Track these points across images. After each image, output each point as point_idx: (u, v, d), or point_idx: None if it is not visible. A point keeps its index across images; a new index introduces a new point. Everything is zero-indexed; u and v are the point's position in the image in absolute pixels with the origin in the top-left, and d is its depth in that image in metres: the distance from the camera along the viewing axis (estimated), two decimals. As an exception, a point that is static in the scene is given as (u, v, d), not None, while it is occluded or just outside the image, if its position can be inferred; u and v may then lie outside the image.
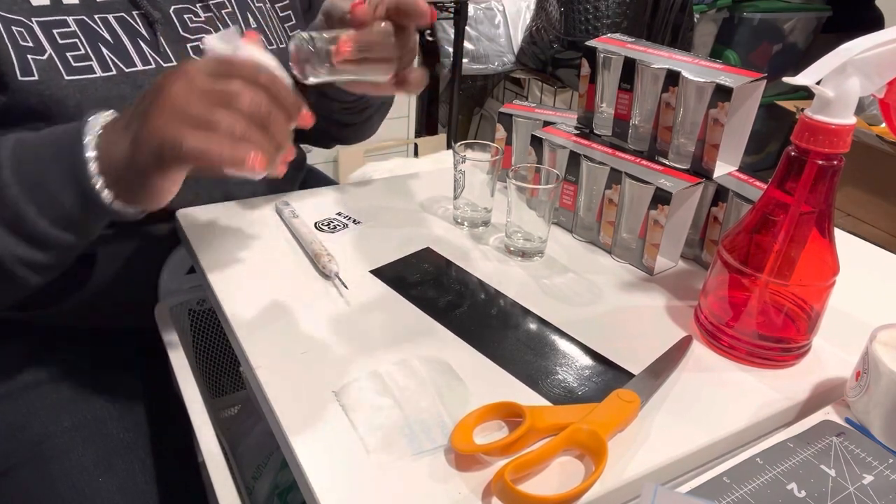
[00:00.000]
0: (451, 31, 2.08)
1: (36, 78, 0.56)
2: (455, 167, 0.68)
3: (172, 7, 0.65)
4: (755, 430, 0.47)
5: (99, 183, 0.47)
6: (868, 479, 0.42)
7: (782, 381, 0.50)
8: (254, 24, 0.72)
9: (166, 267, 0.70)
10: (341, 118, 0.79)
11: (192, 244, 0.63)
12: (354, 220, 0.70)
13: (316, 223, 0.68)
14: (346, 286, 0.58)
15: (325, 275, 0.59)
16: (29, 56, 0.56)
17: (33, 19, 0.57)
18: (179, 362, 0.61)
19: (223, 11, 0.69)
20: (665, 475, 0.43)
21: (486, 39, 2.19)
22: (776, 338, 0.51)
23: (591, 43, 0.66)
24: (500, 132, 0.77)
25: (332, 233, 0.67)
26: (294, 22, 0.78)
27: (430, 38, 2.17)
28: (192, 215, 0.67)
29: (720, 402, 0.48)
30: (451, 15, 2.03)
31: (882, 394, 0.44)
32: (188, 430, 0.55)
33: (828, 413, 0.48)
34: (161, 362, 0.64)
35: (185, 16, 0.66)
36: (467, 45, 2.13)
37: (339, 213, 0.71)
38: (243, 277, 0.59)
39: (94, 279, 0.66)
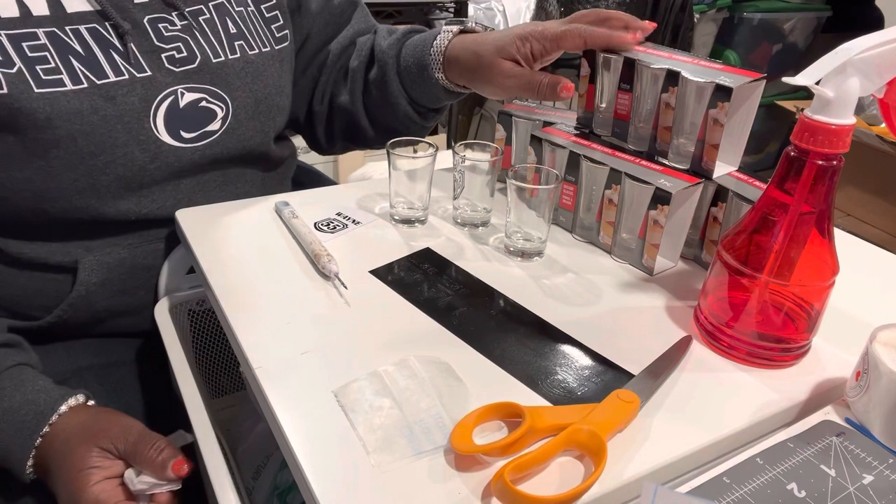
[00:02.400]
0: (451, 31, 2.08)
1: (5, 91, 0.56)
2: (455, 167, 0.68)
3: (146, 17, 0.64)
4: (755, 430, 0.47)
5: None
6: (868, 479, 0.42)
7: (782, 381, 0.50)
8: (234, 30, 0.70)
9: (166, 267, 0.70)
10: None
11: (191, 244, 0.63)
12: (354, 221, 0.70)
13: (316, 223, 0.68)
14: (345, 286, 0.58)
15: (325, 275, 0.59)
16: None
17: (2, 32, 0.56)
18: (179, 362, 0.61)
19: (200, 18, 0.68)
20: (665, 475, 0.43)
21: (486, 39, 2.19)
22: (776, 338, 0.51)
23: (591, 43, 0.66)
24: (500, 132, 0.77)
25: (332, 233, 0.67)
26: (281, 22, 0.76)
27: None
28: (192, 215, 0.67)
29: (720, 402, 0.48)
30: (452, 15, 2.03)
31: (882, 394, 0.44)
32: (188, 430, 0.55)
33: (828, 413, 0.48)
34: (161, 362, 0.64)
35: (160, 25, 0.65)
36: (467, 44, 2.13)
37: (338, 213, 0.71)
38: (243, 278, 0.59)
39: (94, 280, 0.66)
